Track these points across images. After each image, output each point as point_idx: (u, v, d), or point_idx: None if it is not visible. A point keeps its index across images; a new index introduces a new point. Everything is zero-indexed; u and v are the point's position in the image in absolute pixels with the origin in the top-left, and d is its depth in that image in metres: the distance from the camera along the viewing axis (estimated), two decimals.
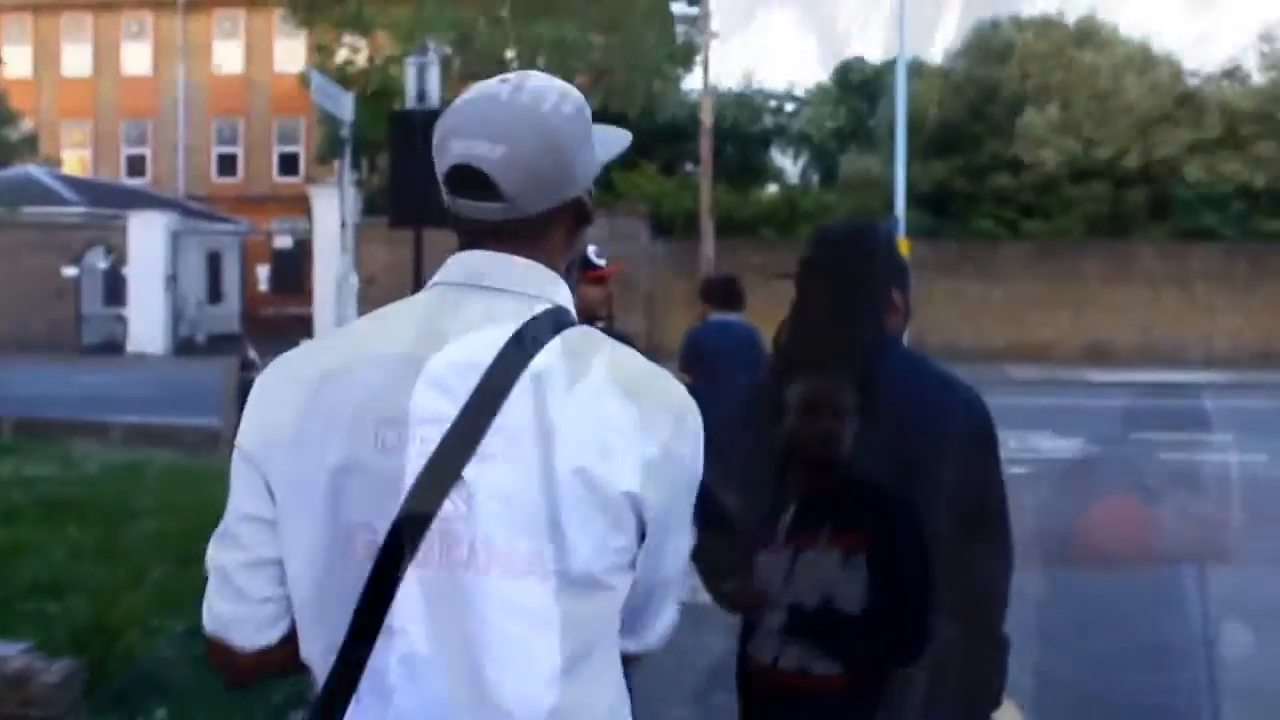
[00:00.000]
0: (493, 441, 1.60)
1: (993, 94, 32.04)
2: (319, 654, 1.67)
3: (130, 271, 33.16)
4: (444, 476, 1.60)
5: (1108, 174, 30.47)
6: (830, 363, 2.87)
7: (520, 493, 1.60)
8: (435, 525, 1.60)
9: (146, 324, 32.84)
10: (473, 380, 1.62)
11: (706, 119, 30.35)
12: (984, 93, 32.10)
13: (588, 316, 5.14)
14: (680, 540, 1.76)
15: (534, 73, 1.82)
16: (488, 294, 1.70)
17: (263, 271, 38.06)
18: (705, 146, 30.18)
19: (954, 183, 31.07)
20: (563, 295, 1.75)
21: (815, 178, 44.48)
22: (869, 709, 2.73)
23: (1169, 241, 29.83)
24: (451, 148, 1.71)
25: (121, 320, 33.60)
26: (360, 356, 1.68)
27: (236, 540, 1.70)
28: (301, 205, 33.73)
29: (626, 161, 35.14)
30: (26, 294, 32.28)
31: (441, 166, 1.73)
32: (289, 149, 46.88)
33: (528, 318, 1.68)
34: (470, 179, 1.70)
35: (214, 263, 37.33)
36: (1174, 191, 30.15)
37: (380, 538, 1.61)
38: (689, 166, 38.69)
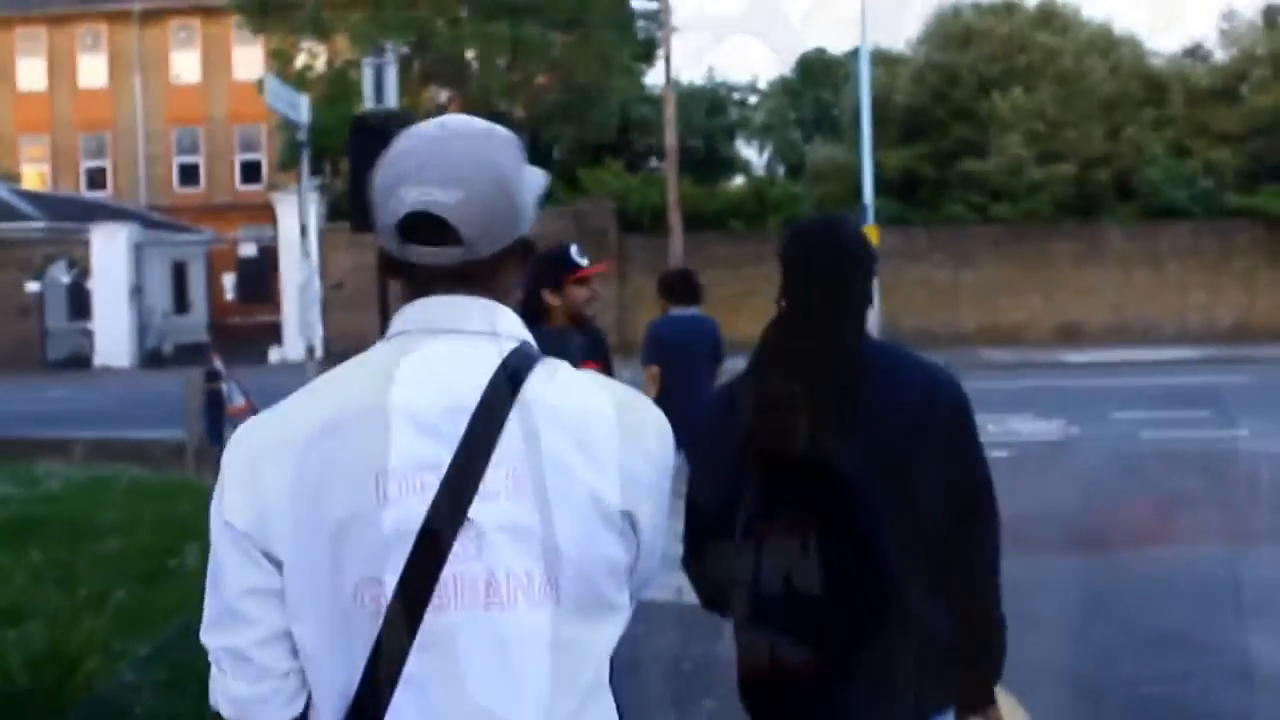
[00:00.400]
0: (493, 478, 1.63)
1: (956, 79, 31.96)
2: (330, 716, 1.66)
3: (94, 285, 32.86)
4: (450, 520, 1.61)
5: (1074, 156, 30.43)
6: (819, 362, 2.86)
7: (528, 524, 1.63)
8: (448, 570, 1.61)
9: (112, 337, 32.57)
10: (462, 423, 1.64)
11: (670, 113, 30.19)
12: (947, 78, 32.01)
13: (576, 317, 5.02)
14: (656, 556, 1.80)
15: (457, 115, 1.84)
16: (458, 337, 1.72)
17: (229, 280, 37.73)
18: (670, 140, 30.03)
19: (921, 169, 30.97)
20: (523, 331, 1.78)
21: (781, 169, 44.49)
22: (851, 691, 2.76)
23: (1137, 221, 29.78)
24: (403, 194, 1.71)
25: (87, 334, 33.30)
26: (345, 414, 1.67)
27: (244, 618, 1.66)
28: (266, 213, 33.51)
29: (592, 158, 35.14)
30: None
31: (392, 215, 1.72)
32: (251, 156, 46.60)
33: (502, 356, 1.70)
34: (427, 226, 1.70)
35: (179, 273, 37.01)
36: (1141, 171, 30.12)
37: (388, 590, 1.61)
38: (654, 162, 38.61)
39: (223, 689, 1.67)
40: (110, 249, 32.72)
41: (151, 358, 32.74)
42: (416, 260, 1.74)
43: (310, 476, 1.64)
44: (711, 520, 2.86)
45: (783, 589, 2.75)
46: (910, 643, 2.75)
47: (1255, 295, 29.15)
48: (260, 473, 1.67)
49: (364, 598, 1.61)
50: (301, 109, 15.71)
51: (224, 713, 1.68)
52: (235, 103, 44.60)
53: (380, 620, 1.61)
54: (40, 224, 35.53)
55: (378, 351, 1.76)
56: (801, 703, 2.81)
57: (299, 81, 30.66)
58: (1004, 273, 29.12)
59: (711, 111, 43.65)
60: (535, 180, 1.84)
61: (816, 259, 3.00)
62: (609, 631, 1.72)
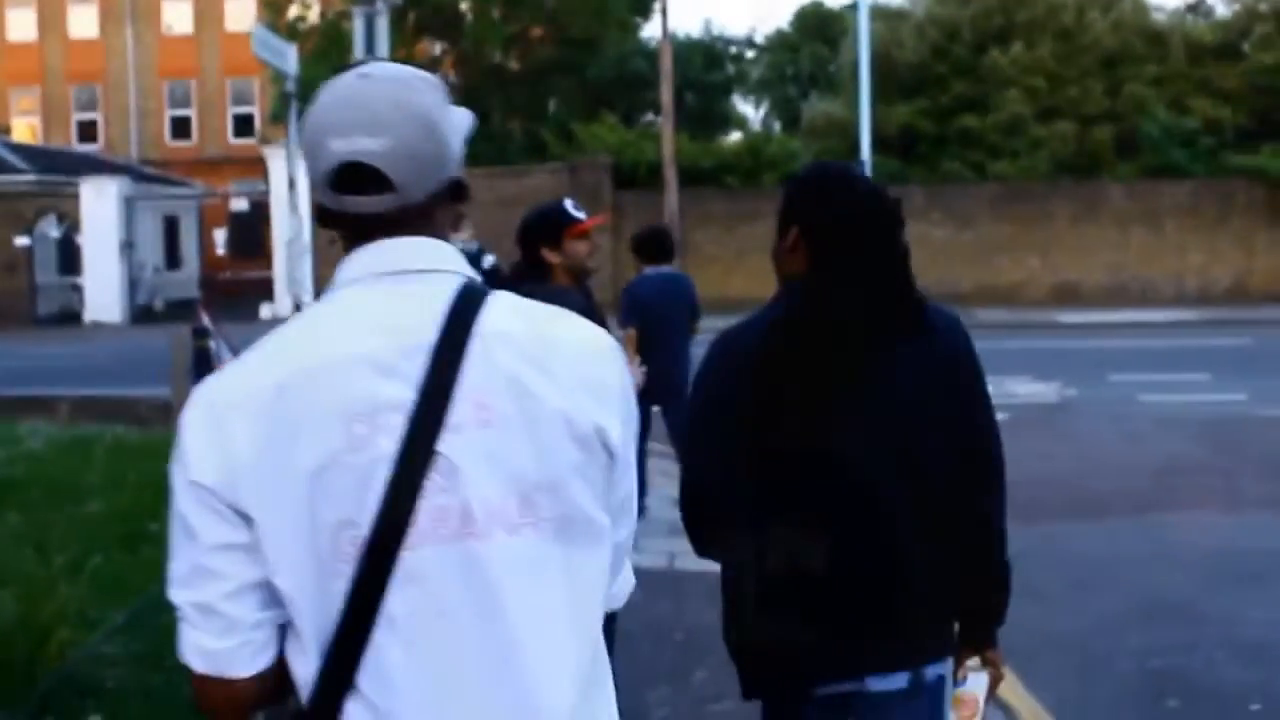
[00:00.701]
0: (459, 410, 1.65)
1: (956, 34, 31.64)
2: (312, 659, 1.68)
3: (84, 239, 32.57)
4: (420, 456, 1.64)
5: (1074, 113, 30.16)
6: (894, 328, 2.81)
7: (501, 449, 1.66)
8: (421, 505, 1.63)
9: (103, 292, 32.31)
10: (422, 361, 1.67)
11: (666, 66, 29.86)
12: (947, 33, 31.69)
13: (577, 272, 4.88)
14: (632, 477, 1.82)
15: (378, 63, 1.86)
16: (407, 278, 1.75)
17: (220, 235, 37.50)
18: (666, 95, 29.72)
19: (920, 125, 30.71)
20: (466, 267, 1.81)
21: (777, 125, 44.20)
22: (858, 653, 2.77)
23: (1137, 180, 29.52)
24: (331, 147, 1.74)
25: (77, 289, 33.04)
26: (308, 365, 1.69)
27: (213, 573, 1.67)
28: (259, 167, 33.20)
29: (587, 113, 34.82)
30: None
31: (322, 167, 1.75)
32: (243, 110, 46.27)
33: (453, 292, 1.74)
34: (359, 176, 1.73)
35: (171, 228, 36.76)
36: (1141, 129, 29.84)
37: (365, 531, 1.63)
38: (650, 116, 38.29)
39: (192, 643, 1.68)
40: (100, 203, 32.41)
41: (143, 313, 32.51)
42: (353, 210, 1.76)
43: (279, 429, 1.65)
44: (712, 491, 2.82)
45: (789, 571, 2.74)
46: (912, 595, 2.75)
47: (1254, 256, 28.92)
48: (227, 429, 1.67)
49: (342, 542, 1.63)
50: (289, 59, 15.43)
51: (194, 666, 1.68)
52: (228, 55, 44.25)
53: (357, 561, 1.63)
54: (30, 177, 35.19)
55: (333, 301, 1.78)
56: (807, 669, 2.79)
57: (291, 33, 30.34)
58: (1002, 232, 28.87)
59: (708, 66, 43.28)
60: (461, 121, 1.86)
61: (865, 217, 2.85)
62: (594, 556, 1.74)
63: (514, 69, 37.56)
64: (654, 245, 8.85)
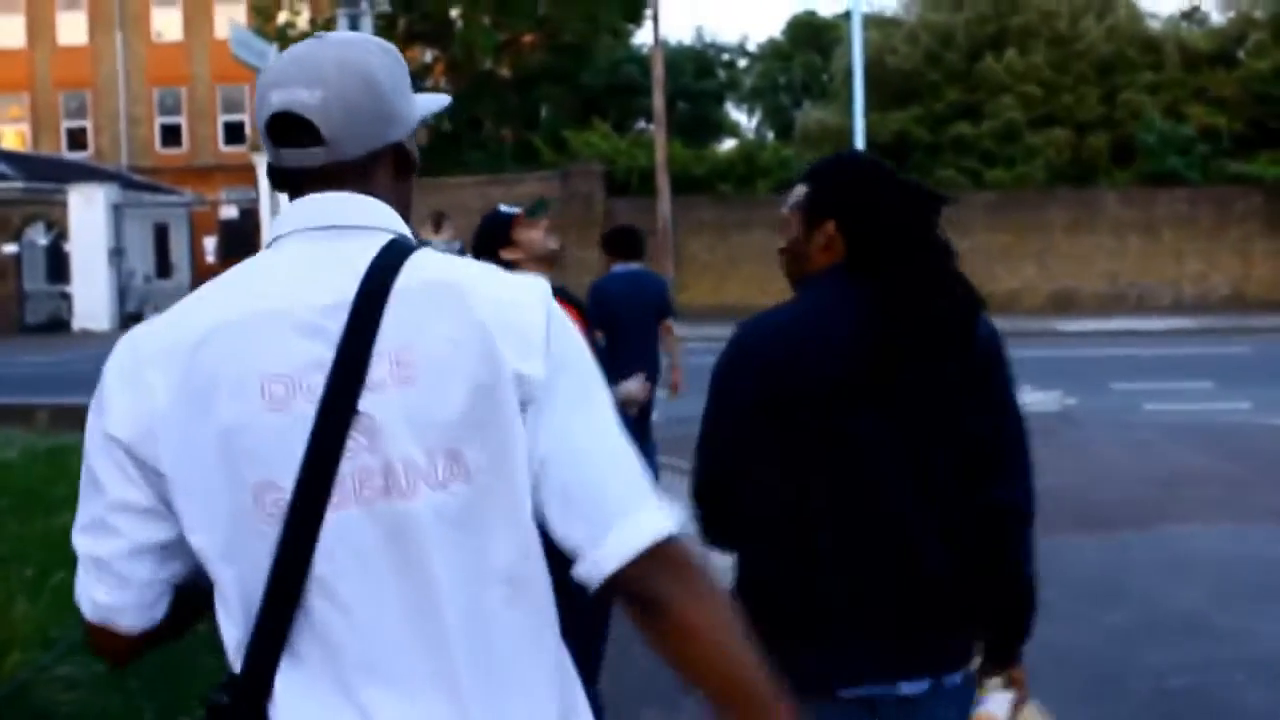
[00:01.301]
0: (378, 368, 1.63)
1: (949, 40, 31.46)
2: (240, 623, 1.65)
3: (72, 247, 32.31)
4: (340, 416, 1.61)
5: (1069, 120, 29.97)
6: (972, 330, 2.77)
7: (422, 406, 1.63)
8: (344, 465, 1.61)
9: (92, 300, 32.06)
10: (342, 318, 1.64)
11: (659, 73, 29.63)
12: (941, 39, 31.52)
13: (546, 259, 4.72)
14: (589, 419, 1.70)
15: (349, 32, 1.94)
16: (334, 234, 1.73)
17: (209, 243, 37.21)
18: (658, 102, 29.50)
19: (914, 133, 30.52)
20: (401, 226, 1.79)
21: (770, 134, 44.03)
22: (880, 649, 2.71)
23: (1133, 187, 29.34)
24: (270, 98, 1.74)
25: (66, 297, 32.76)
26: (226, 319, 1.66)
27: (112, 530, 1.66)
28: (250, 174, 32.96)
29: (579, 119, 34.61)
30: None
31: (261, 119, 1.76)
32: (234, 117, 45.96)
33: (378, 248, 1.71)
34: (291, 126, 1.73)
35: (161, 235, 36.50)
36: (1137, 136, 29.64)
37: (287, 493, 1.60)
38: (642, 123, 38.10)
39: (84, 591, 1.71)
40: (88, 210, 32.17)
41: (132, 321, 32.15)
42: (289, 163, 1.76)
43: (195, 384, 1.63)
44: (726, 487, 2.74)
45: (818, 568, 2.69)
46: (933, 600, 2.69)
47: (1251, 264, 28.77)
48: (145, 382, 1.65)
49: (264, 502, 1.61)
50: (268, 59, 15.15)
51: (84, 614, 1.72)
52: (218, 62, 43.93)
53: (280, 524, 1.61)
54: (18, 184, 34.88)
55: (261, 257, 1.77)
56: (834, 672, 2.70)
57: (280, 38, 30.06)
58: (997, 240, 28.61)
59: (700, 73, 43.10)
60: (426, 100, 1.90)
61: (912, 209, 2.74)
62: (520, 517, 1.67)
63: (505, 76, 37.33)
64: (622, 242, 8.76)
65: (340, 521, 1.62)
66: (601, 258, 8.90)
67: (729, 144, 39.05)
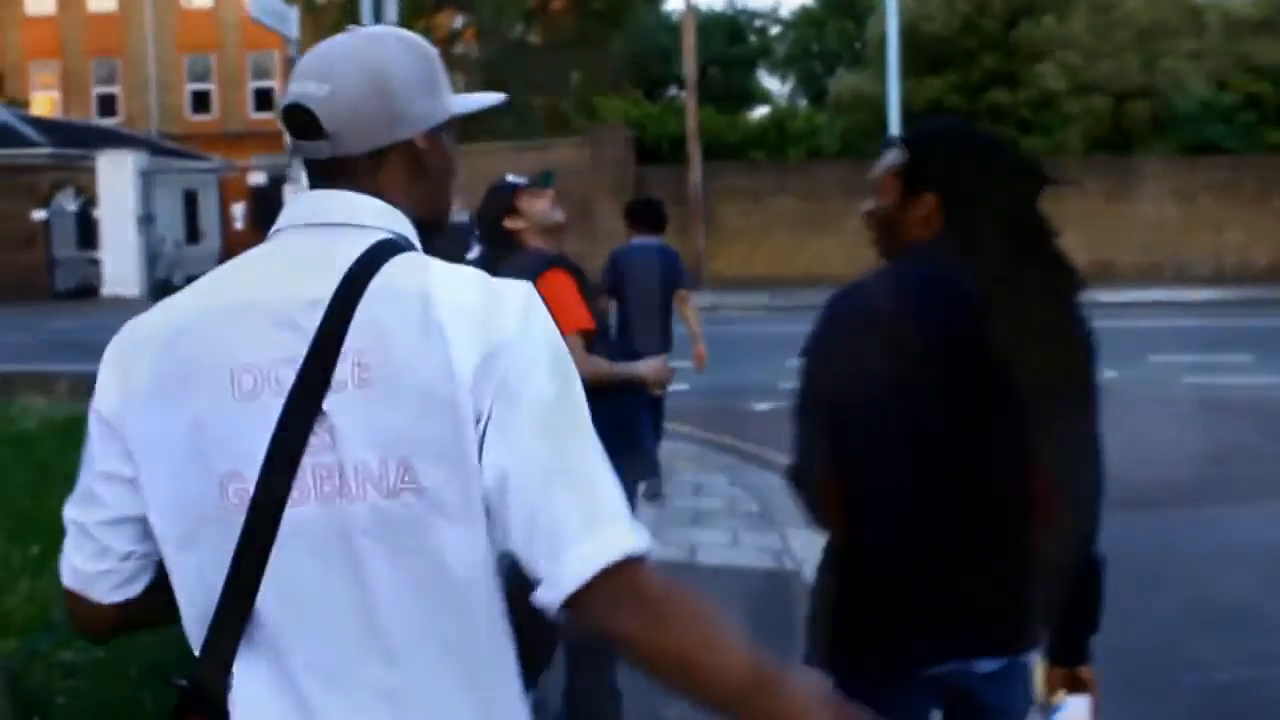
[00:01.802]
0: (342, 369, 1.63)
1: (986, 6, 30.95)
2: (199, 611, 1.69)
3: (101, 213, 32.23)
4: (305, 412, 1.63)
5: (1108, 88, 29.45)
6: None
7: (377, 411, 1.62)
8: (306, 462, 1.62)
9: (121, 266, 31.96)
10: (318, 315, 1.65)
11: (689, 40, 29.28)
12: (977, 6, 31.00)
13: (551, 228, 4.58)
14: (556, 433, 1.63)
15: (385, 26, 1.94)
16: (327, 230, 1.75)
17: (238, 209, 37.07)
18: (690, 68, 29.16)
19: (949, 100, 30.05)
20: (402, 226, 1.78)
21: (803, 101, 43.61)
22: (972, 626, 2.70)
23: (1173, 156, 28.86)
24: (290, 89, 1.78)
25: (95, 263, 32.68)
26: (209, 308, 1.72)
27: (98, 499, 1.73)
28: (279, 141, 32.78)
29: (610, 86, 34.32)
30: None
31: (281, 109, 1.80)
32: (264, 84, 45.85)
33: (364, 248, 1.71)
34: (298, 118, 1.75)
35: (191, 202, 36.36)
36: (1177, 105, 29.11)
37: (251, 485, 1.63)
38: (673, 90, 37.78)
39: (67, 558, 1.78)
40: (117, 176, 32.06)
41: (161, 288, 32.04)
42: (301, 155, 1.79)
43: (171, 372, 1.68)
44: (817, 463, 2.68)
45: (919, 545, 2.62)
46: (1021, 578, 2.67)
47: None
48: (130, 365, 1.71)
49: (228, 492, 1.64)
50: (290, 23, 14.96)
51: (64, 582, 1.79)
52: (248, 29, 43.74)
53: (244, 515, 1.63)
54: (46, 150, 34.78)
55: (257, 249, 1.79)
56: (918, 651, 2.67)
57: (308, 6, 29.84)
58: None
59: (732, 40, 42.70)
60: (469, 99, 1.91)
61: (1021, 185, 2.69)
62: (469, 533, 1.63)
63: (535, 42, 37.04)
64: (642, 215, 8.81)
65: (299, 517, 1.63)
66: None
67: (761, 111, 38.66)
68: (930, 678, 2.69)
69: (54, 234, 32.79)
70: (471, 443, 1.61)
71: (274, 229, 1.79)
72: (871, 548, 2.65)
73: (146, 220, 32.40)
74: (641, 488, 7.66)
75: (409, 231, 1.79)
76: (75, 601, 1.78)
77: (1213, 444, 10.58)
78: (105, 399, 1.71)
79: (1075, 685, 2.80)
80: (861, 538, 2.67)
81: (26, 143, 35.40)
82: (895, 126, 24.67)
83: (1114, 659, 5.52)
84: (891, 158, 2.72)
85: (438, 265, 1.73)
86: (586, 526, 1.58)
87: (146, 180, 32.76)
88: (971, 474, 2.60)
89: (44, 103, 45.86)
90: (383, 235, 1.73)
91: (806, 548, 7.45)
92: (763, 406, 12.16)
